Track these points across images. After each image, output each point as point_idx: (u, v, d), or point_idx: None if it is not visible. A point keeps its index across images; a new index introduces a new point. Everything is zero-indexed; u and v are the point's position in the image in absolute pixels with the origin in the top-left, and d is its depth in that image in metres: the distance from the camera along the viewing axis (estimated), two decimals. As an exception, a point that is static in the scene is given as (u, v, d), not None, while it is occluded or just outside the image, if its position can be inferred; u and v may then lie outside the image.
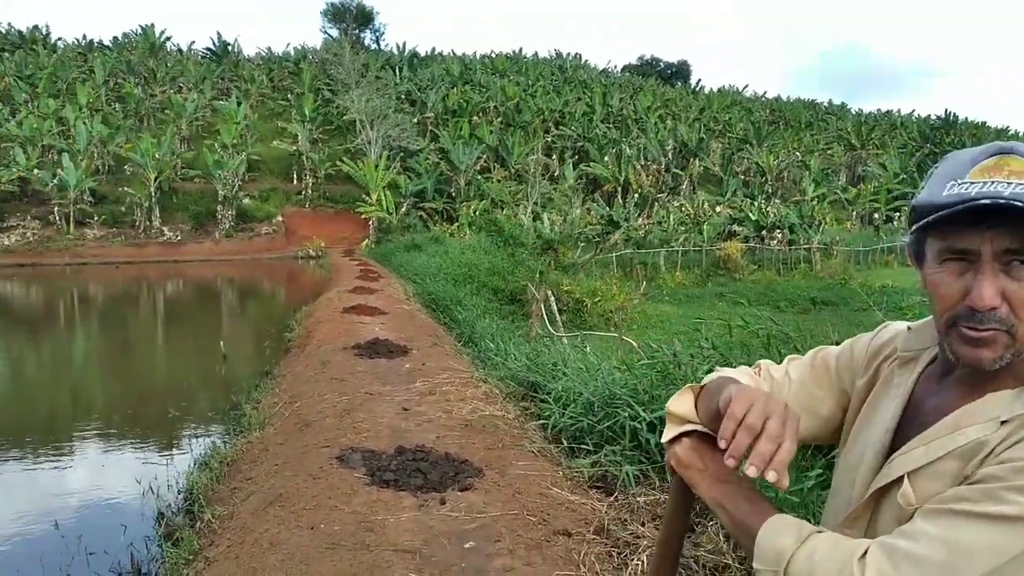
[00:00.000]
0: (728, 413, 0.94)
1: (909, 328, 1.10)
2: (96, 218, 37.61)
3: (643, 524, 3.83)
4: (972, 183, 0.89)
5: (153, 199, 37.79)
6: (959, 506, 0.85)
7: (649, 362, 5.39)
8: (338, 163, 41.51)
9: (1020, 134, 73.99)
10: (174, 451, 7.19)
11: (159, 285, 27.66)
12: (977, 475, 0.87)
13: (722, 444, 0.94)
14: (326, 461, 4.99)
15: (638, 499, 4.12)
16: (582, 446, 5.03)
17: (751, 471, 0.91)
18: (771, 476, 0.89)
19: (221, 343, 12.03)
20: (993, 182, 0.88)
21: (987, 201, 0.85)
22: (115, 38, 61.38)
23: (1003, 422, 0.89)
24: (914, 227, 0.95)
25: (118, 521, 5.16)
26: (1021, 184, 0.86)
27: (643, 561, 3.42)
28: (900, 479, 0.96)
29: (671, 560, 1.15)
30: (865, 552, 0.87)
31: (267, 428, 6.58)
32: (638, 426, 4.64)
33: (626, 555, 3.54)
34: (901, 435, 1.01)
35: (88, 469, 6.84)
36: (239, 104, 45.85)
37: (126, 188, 37.59)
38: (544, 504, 4.24)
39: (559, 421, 5.36)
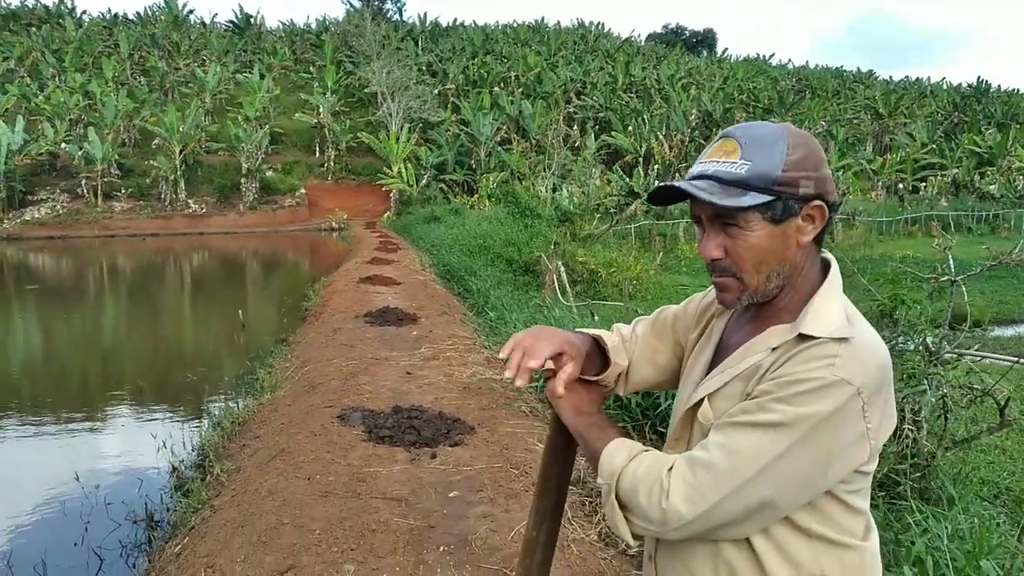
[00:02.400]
0: (512, 339, 1.20)
1: None
2: (123, 191, 38.26)
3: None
4: (701, 162, 1.12)
5: (178, 172, 38.33)
6: (738, 418, 1.06)
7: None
8: (359, 135, 41.71)
9: (1056, 101, 72.07)
10: (190, 413, 7.54)
11: (184, 257, 28.24)
12: (754, 392, 1.08)
13: (502, 355, 1.19)
14: (328, 420, 5.27)
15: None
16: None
17: (506, 374, 1.17)
18: (519, 382, 1.17)
19: (240, 312, 12.40)
20: (705, 162, 1.11)
21: (660, 184, 1.10)
22: (138, 12, 61.87)
23: (773, 349, 1.09)
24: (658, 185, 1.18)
25: (135, 475, 5.51)
26: (724, 162, 1.08)
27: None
28: (703, 401, 1.16)
29: (551, 490, 1.32)
30: (673, 464, 1.08)
31: (278, 391, 6.88)
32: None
33: (597, 503, 3.77)
34: (713, 369, 1.22)
35: (109, 429, 7.22)
36: (262, 77, 46.11)
37: (152, 161, 38.15)
38: (528, 459, 4.48)
39: (550, 383, 5.58)
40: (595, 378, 1.29)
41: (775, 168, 1.06)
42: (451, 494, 4.00)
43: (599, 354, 1.30)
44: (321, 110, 44.47)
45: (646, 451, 1.14)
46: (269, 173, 41.42)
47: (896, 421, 1.07)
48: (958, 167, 44.12)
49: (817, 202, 1.09)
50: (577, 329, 1.34)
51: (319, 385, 6.45)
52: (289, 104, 47.10)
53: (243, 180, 39.76)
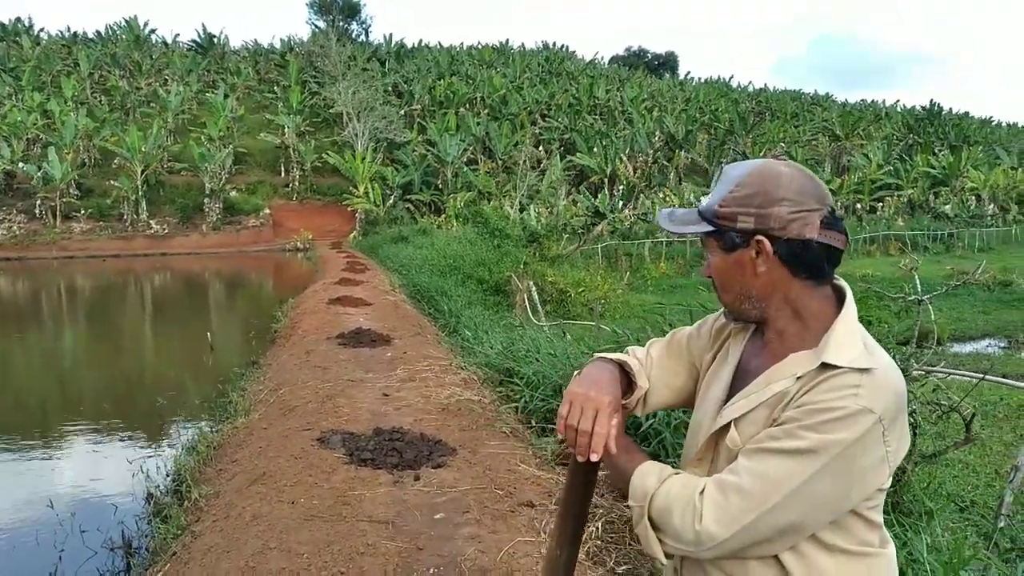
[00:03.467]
0: (558, 414, 1.26)
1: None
2: (83, 211, 37.55)
3: (601, 495, 4.10)
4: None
5: (140, 192, 37.75)
6: (766, 444, 1.13)
7: (612, 345, 5.66)
8: (324, 155, 41.53)
9: (1004, 124, 74.73)
10: (163, 438, 7.42)
11: (147, 278, 27.76)
12: (781, 418, 1.14)
13: (559, 435, 1.27)
14: (307, 443, 5.24)
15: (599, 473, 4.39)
16: (551, 426, 5.30)
17: (579, 458, 1.24)
18: (593, 457, 1.21)
19: (208, 334, 12.24)
20: (704, 195, 1.28)
21: (659, 216, 1.31)
22: (98, 31, 61.01)
23: (798, 377, 1.16)
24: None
25: (109, 502, 5.40)
26: (703, 197, 1.26)
27: (598, 527, 3.70)
28: (728, 426, 1.22)
29: (574, 516, 1.36)
30: (704, 487, 1.14)
31: (252, 414, 6.81)
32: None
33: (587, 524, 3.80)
34: (734, 392, 1.28)
35: (80, 456, 7.06)
36: (225, 97, 45.77)
37: (113, 181, 37.52)
38: (512, 479, 4.51)
39: (530, 403, 5.63)
40: (623, 403, 1.34)
41: (716, 203, 1.22)
42: (437, 516, 4.01)
43: (624, 377, 1.35)
44: (286, 130, 44.24)
45: (676, 474, 1.21)
46: (233, 193, 40.99)
47: (909, 441, 1.15)
48: (913, 187, 45.40)
49: (759, 236, 1.19)
50: (599, 354, 1.39)
51: (296, 408, 6.40)
52: (253, 124, 46.78)
53: (206, 200, 39.30)
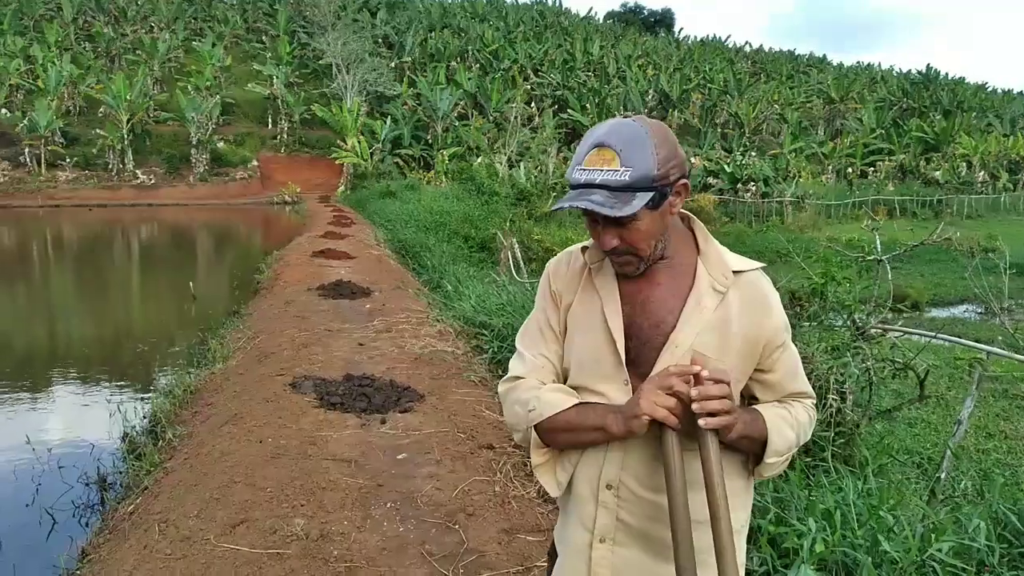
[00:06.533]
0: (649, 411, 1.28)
1: (584, 248, 1.48)
2: (68, 160, 37.17)
3: (559, 440, 4.26)
4: (583, 169, 1.30)
5: (126, 141, 37.36)
6: (778, 354, 1.44)
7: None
8: (313, 107, 41.07)
9: (998, 90, 74.41)
10: (141, 382, 7.53)
11: (133, 228, 27.64)
12: (764, 329, 1.43)
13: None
14: (280, 387, 5.38)
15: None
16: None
17: (705, 423, 1.28)
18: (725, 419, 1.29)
19: (191, 284, 12.30)
20: (589, 170, 1.29)
21: (566, 205, 1.29)
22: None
23: (717, 290, 1.39)
24: (560, 204, 1.33)
25: (86, 441, 5.53)
26: (608, 170, 1.27)
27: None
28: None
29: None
30: (797, 407, 1.47)
31: (230, 360, 6.93)
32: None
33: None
34: (637, 319, 1.38)
35: (59, 399, 7.18)
36: (213, 45, 45.05)
37: (98, 130, 37.09)
38: (475, 424, 4.66)
39: (498, 354, 5.77)
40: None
41: (651, 169, 1.27)
42: (399, 456, 4.16)
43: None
44: (274, 81, 43.67)
45: (781, 414, 1.41)
46: (220, 144, 40.62)
47: None
48: (905, 152, 45.37)
49: (683, 181, 1.33)
50: (551, 412, 1.40)
51: (271, 355, 6.53)
52: (241, 74, 46.15)
53: (193, 151, 38.95)
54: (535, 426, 1.40)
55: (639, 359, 1.38)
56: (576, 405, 1.38)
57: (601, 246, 1.35)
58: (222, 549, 3.09)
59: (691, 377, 1.25)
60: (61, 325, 11.28)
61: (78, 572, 3.49)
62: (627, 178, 1.26)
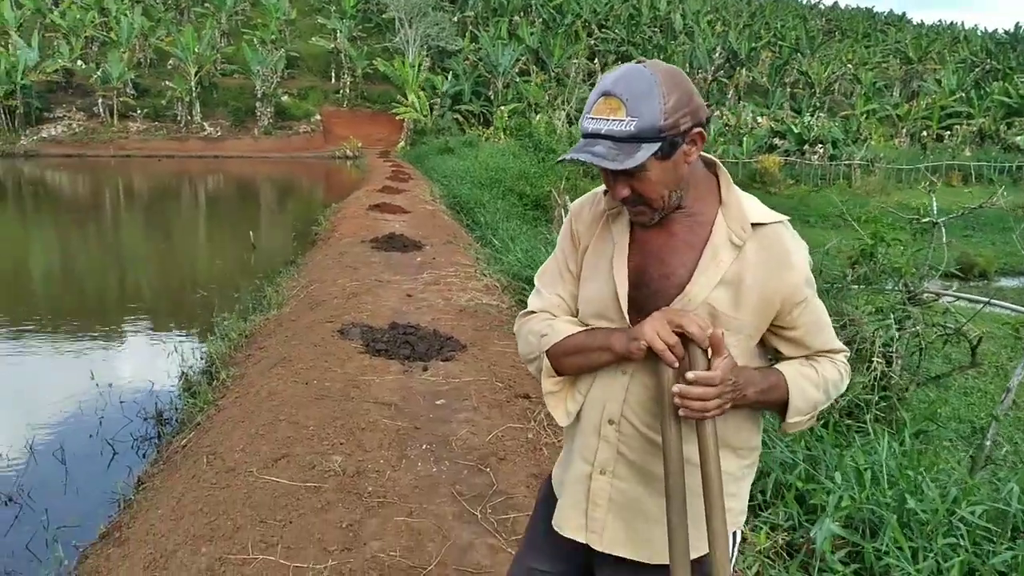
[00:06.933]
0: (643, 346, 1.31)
1: (605, 192, 1.46)
2: (139, 111, 38.25)
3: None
4: (591, 119, 1.28)
5: (194, 94, 38.19)
6: (801, 309, 1.41)
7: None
8: (375, 62, 41.18)
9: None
10: (200, 326, 7.85)
11: (199, 180, 28.44)
12: (783, 282, 1.39)
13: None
14: (328, 333, 5.55)
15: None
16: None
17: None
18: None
19: (251, 234, 12.65)
20: (596, 119, 1.27)
21: (568, 158, 1.28)
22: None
23: (735, 244, 1.36)
24: (563, 156, 1.33)
25: (146, 379, 5.84)
26: (613, 120, 1.25)
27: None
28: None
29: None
30: (825, 365, 1.45)
31: (284, 307, 7.17)
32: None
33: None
34: (648, 268, 1.39)
35: (123, 339, 7.56)
36: (278, -1, 45.40)
37: (167, 82, 38.00)
38: (513, 374, 4.74)
39: (541, 307, 5.81)
40: None
41: (657, 119, 1.24)
42: (438, 401, 4.28)
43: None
44: (338, 35, 43.86)
45: (812, 368, 1.42)
46: (284, 98, 41.18)
47: None
48: (985, 116, 43.15)
49: (697, 129, 1.29)
50: (557, 338, 1.45)
51: (323, 303, 6.72)
52: (305, 28, 46.47)
53: (258, 104, 39.60)
54: (547, 353, 1.44)
55: (647, 309, 1.37)
56: (586, 329, 1.42)
57: (612, 196, 1.35)
58: (263, 481, 3.25)
59: (706, 332, 1.26)
60: (129, 270, 11.78)
61: (133, 498, 3.72)
62: (632, 128, 1.24)
